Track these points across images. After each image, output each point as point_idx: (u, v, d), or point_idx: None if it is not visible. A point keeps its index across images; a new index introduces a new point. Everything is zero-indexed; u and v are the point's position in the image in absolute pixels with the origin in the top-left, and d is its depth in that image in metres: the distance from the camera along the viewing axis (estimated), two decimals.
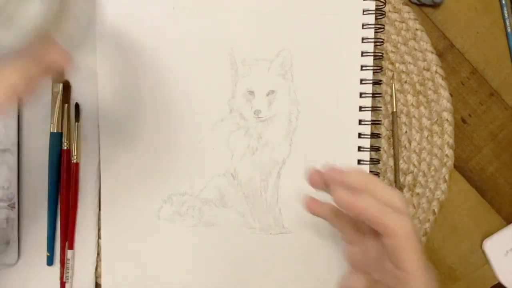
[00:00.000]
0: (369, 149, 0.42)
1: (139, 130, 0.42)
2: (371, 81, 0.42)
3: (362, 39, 0.42)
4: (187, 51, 0.42)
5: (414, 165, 0.44)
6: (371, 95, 0.42)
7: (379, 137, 0.43)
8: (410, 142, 0.44)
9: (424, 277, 0.27)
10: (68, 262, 0.41)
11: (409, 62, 0.44)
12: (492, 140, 0.46)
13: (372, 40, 0.42)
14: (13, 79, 0.20)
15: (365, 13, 0.42)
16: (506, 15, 0.44)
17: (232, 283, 0.43)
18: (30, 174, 0.42)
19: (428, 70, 0.44)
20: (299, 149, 0.42)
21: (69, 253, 0.42)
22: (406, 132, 0.44)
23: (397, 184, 0.44)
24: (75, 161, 0.41)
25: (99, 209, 0.42)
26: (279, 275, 0.43)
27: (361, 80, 0.42)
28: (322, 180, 0.31)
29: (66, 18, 0.20)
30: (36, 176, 0.41)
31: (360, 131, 0.42)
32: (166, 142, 0.42)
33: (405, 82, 0.44)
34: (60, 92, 0.41)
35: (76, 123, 0.42)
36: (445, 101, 0.44)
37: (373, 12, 0.42)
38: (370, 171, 0.43)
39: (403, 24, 0.43)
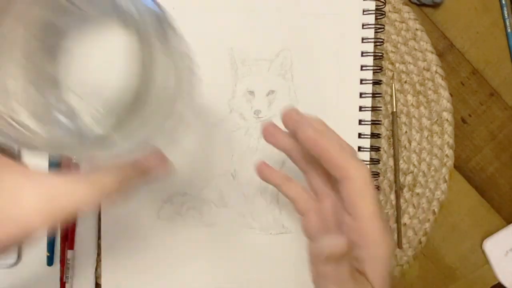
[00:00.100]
0: (369, 149, 0.42)
1: None
2: (371, 81, 0.42)
3: (362, 39, 0.42)
4: None
5: (414, 165, 0.44)
6: (371, 95, 0.42)
7: (379, 137, 0.43)
8: (410, 142, 0.44)
9: (379, 226, 0.27)
10: (68, 262, 0.41)
11: (409, 62, 0.44)
12: (492, 140, 0.46)
13: (372, 40, 0.42)
14: (107, 181, 0.20)
15: (365, 13, 0.42)
16: (506, 15, 0.44)
17: (232, 283, 0.43)
18: None
19: (428, 70, 0.44)
20: None
21: (69, 253, 0.42)
22: (406, 132, 0.44)
23: (397, 184, 0.44)
24: (75, 161, 0.41)
25: (99, 209, 0.42)
26: (279, 275, 0.43)
27: (361, 80, 0.42)
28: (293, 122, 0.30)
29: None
30: None
31: (360, 131, 0.42)
32: (166, 142, 0.42)
33: (405, 82, 0.44)
34: None
35: None
36: (445, 101, 0.44)
37: (373, 12, 0.42)
38: (370, 171, 0.43)
39: (403, 24, 0.43)
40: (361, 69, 0.42)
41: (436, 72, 0.43)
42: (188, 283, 0.43)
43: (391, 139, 0.44)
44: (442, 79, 0.44)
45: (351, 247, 0.25)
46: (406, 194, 0.44)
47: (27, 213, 0.18)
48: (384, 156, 0.44)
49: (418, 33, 0.43)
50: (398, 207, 0.44)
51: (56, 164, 0.41)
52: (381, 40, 0.43)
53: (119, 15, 0.19)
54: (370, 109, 0.42)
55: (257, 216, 0.42)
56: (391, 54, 0.44)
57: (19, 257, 0.41)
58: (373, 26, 0.42)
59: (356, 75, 0.42)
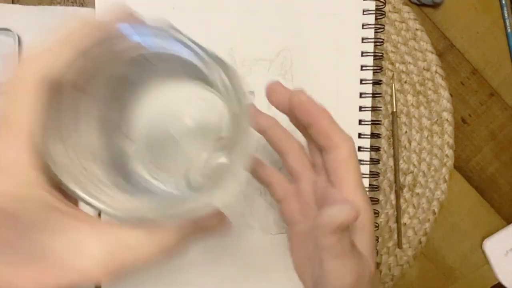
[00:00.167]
0: (369, 149, 0.42)
1: None
2: (371, 81, 0.42)
3: (362, 39, 0.42)
4: None
5: (414, 165, 0.44)
6: (371, 95, 0.42)
7: (379, 137, 0.43)
8: (410, 142, 0.44)
9: (362, 195, 0.27)
10: None
11: (409, 62, 0.44)
12: (492, 140, 0.46)
13: (372, 40, 0.42)
14: (169, 239, 0.20)
15: (365, 13, 0.42)
16: (506, 15, 0.44)
17: (232, 282, 0.43)
18: None
19: (428, 70, 0.44)
20: None
21: None
22: (406, 132, 0.44)
23: (397, 184, 0.44)
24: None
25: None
26: (279, 275, 0.43)
27: (361, 80, 0.42)
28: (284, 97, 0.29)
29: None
30: None
31: (360, 131, 0.42)
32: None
33: (405, 82, 0.44)
34: None
35: None
36: (445, 101, 0.44)
37: (373, 12, 0.42)
38: (370, 171, 0.43)
39: (403, 24, 0.43)
40: (361, 69, 0.42)
41: (436, 72, 0.43)
42: (188, 283, 0.43)
43: (391, 139, 0.44)
44: (442, 79, 0.44)
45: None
46: (406, 194, 0.44)
47: (90, 263, 0.18)
48: (384, 156, 0.44)
49: (418, 33, 0.43)
50: (398, 207, 0.44)
51: None
52: (381, 40, 0.43)
53: (188, 70, 0.19)
54: (370, 109, 0.42)
55: (257, 216, 0.42)
56: (391, 54, 0.44)
57: None
58: (373, 26, 0.42)
59: (356, 75, 0.42)
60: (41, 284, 0.18)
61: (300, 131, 0.31)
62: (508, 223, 0.46)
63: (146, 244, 0.19)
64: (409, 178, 0.44)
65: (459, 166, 0.45)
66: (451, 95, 0.44)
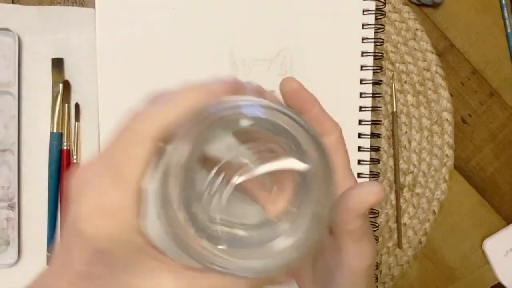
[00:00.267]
0: (369, 149, 0.42)
1: None
2: (371, 81, 0.42)
3: (362, 39, 0.42)
4: (187, 51, 0.42)
5: (414, 165, 0.44)
6: (371, 95, 0.42)
7: (379, 137, 0.43)
8: (410, 142, 0.44)
9: (351, 177, 0.27)
10: None
11: (409, 62, 0.44)
12: (492, 140, 0.46)
13: (372, 40, 0.42)
14: (241, 285, 0.21)
15: (365, 13, 0.42)
16: (506, 15, 0.45)
17: None
18: (30, 174, 0.42)
19: (428, 70, 0.44)
20: None
21: None
22: (406, 132, 0.44)
23: (397, 184, 0.44)
24: (75, 161, 0.41)
25: None
26: None
27: (361, 80, 0.42)
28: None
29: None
30: (36, 176, 0.41)
31: (360, 131, 0.42)
32: None
33: (405, 82, 0.44)
34: (60, 92, 0.41)
35: (76, 123, 0.42)
36: (445, 101, 0.44)
37: (373, 12, 0.42)
38: (370, 171, 0.43)
39: (403, 24, 0.43)
40: (361, 69, 0.42)
41: (436, 72, 0.43)
42: None
43: (391, 139, 0.44)
44: (442, 79, 0.44)
45: None
46: (406, 194, 0.44)
47: None
48: (384, 156, 0.44)
49: (418, 33, 0.43)
50: (398, 207, 0.44)
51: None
52: (381, 40, 0.43)
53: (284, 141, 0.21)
54: (370, 109, 0.42)
55: None
56: (391, 54, 0.44)
57: (19, 257, 0.41)
58: (373, 26, 0.42)
59: (356, 75, 0.42)
60: None
61: None
62: (508, 223, 0.46)
63: None
64: (409, 178, 0.44)
65: (459, 166, 0.45)
66: (451, 95, 0.44)
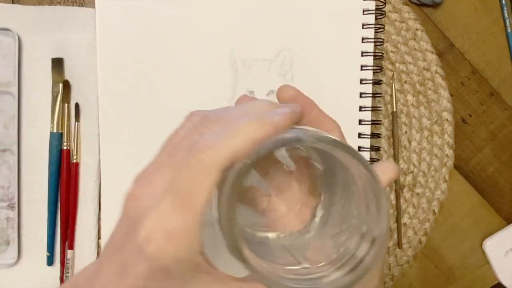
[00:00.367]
0: (369, 149, 0.42)
1: (140, 130, 0.42)
2: (371, 81, 0.42)
3: (362, 39, 0.42)
4: (187, 51, 0.42)
5: (414, 165, 0.44)
6: (371, 95, 0.42)
7: (379, 137, 0.43)
8: (410, 142, 0.44)
9: None
10: (68, 262, 0.41)
11: (409, 62, 0.44)
12: (492, 140, 0.46)
13: (372, 40, 0.42)
14: None
15: (365, 13, 0.42)
16: (506, 15, 0.45)
17: None
18: (30, 174, 0.42)
19: (428, 70, 0.44)
20: None
21: (69, 253, 0.42)
22: (406, 132, 0.44)
23: (397, 184, 0.44)
24: (75, 161, 0.41)
25: (99, 209, 0.42)
26: None
27: (361, 80, 0.42)
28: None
29: None
30: (36, 176, 0.41)
31: (360, 131, 0.42)
32: None
33: (405, 82, 0.44)
34: (60, 92, 0.41)
35: (76, 123, 0.42)
36: (445, 101, 0.44)
37: (373, 12, 0.42)
38: None
39: (403, 24, 0.43)
40: (361, 69, 0.42)
41: (436, 72, 0.43)
42: None
43: (391, 139, 0.44)
44: (442, 79, 0.44)
45: None
46: (406, 194, 0.44)
47: None
48: (384, 156, 0.44)
49: (418, 33, 0.43)
50: (398, 207, 0.44)
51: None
52: (381, 40, 0.43)
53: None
54: (370, 109, 0.42)
55: None
56: (391, 54, 0.44)
57: (19, 257, 0.41)
58: (373, 26, 0.42)
59: (356, 75, 0.42)
60: None
61: None
62: (508, 223, 0.46)
63: None
64: (409, 178, 0.44)
65: (459, 166, 0.45)
66: (451, 95, 0.44)
